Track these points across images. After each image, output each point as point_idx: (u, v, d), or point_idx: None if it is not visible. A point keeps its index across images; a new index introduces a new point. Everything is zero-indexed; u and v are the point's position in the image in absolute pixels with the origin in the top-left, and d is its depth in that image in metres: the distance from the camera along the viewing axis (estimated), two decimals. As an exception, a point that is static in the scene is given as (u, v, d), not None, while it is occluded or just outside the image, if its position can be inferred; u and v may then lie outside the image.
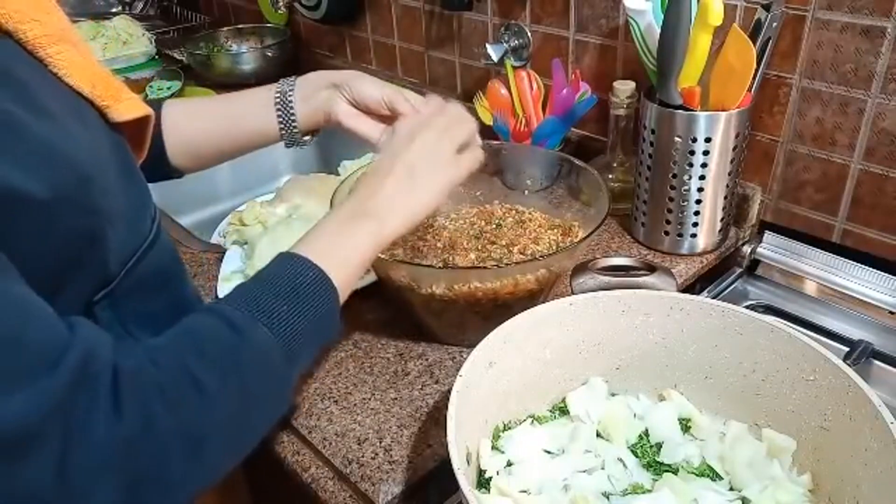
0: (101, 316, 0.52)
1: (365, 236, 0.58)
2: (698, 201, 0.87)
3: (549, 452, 0.61)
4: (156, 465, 0.42)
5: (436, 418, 0.69)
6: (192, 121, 0.76)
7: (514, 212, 0.88)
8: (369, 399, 0.71)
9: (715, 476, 0.58)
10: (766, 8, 0.80)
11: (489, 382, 0.59)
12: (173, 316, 0.55)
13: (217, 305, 0.51)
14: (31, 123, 0.43)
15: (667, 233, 0.90)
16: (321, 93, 0.74)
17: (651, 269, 0.67)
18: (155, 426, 0.42)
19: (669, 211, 0.88)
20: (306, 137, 0.77)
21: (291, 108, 0.74)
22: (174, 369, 0.45)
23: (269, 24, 1.70)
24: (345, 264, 0.57)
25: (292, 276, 0.53)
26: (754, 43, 0.78)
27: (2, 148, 0.41)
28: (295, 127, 0.75)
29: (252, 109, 0.75)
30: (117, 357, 0.44)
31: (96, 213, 0.48)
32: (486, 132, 1.14)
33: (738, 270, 0.95)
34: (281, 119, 0.75)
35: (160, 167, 0.74)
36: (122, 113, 0.54)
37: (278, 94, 0.74)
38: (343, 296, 0.56)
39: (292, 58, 1.63)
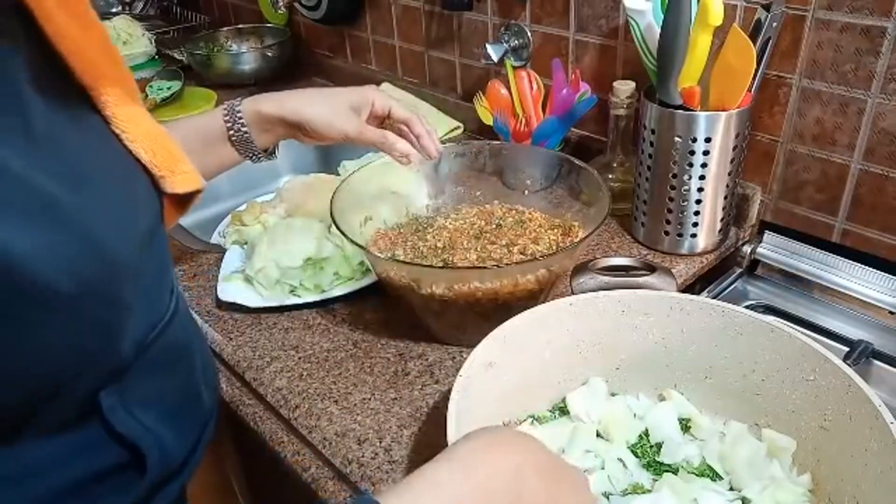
0: (105, 402, 0.47)
1: None
2: (698, 201, 0.87)
3: (549, 452, 0.61)
4: None
5: (436, 418, 0.69)
6: None
7: (514, 212, 0.88)
8: (369, 399, 0.71)
9: (715, 476, 0.58)
10: (766, 8, 0.79)
11: (489, 382, 0.59)
12: (181, 394, 0.53)
13: None
14: (69, 203, 0.39)
15: (667, 233, 0.90)
16: (279, 128, 0.75)
17: (651, 269, 0.67)
18: None
19: (669, 211, 0.88)
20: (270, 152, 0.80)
21: (252, 145, 0.76)
22: None
23: (269, 24, 1.70)
24: None
25: None
26: (754, 43, 0.78)
27: (37, 236, 0.37)
28: (259, 155, 0.77)
29: (213, 149, 0.75)
30: None
31: (119, 302, 0.44)
32: (487, 132, 1.14)
33: (738, 270, 0.95)
34: (244, 154, 0.77)
35: None
36: (176, 186, 0.52)
37: (234, 135, 0.74)
38: None
39: (292, 58, 1.63)
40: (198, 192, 0.56)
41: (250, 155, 0.77)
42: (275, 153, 0.80)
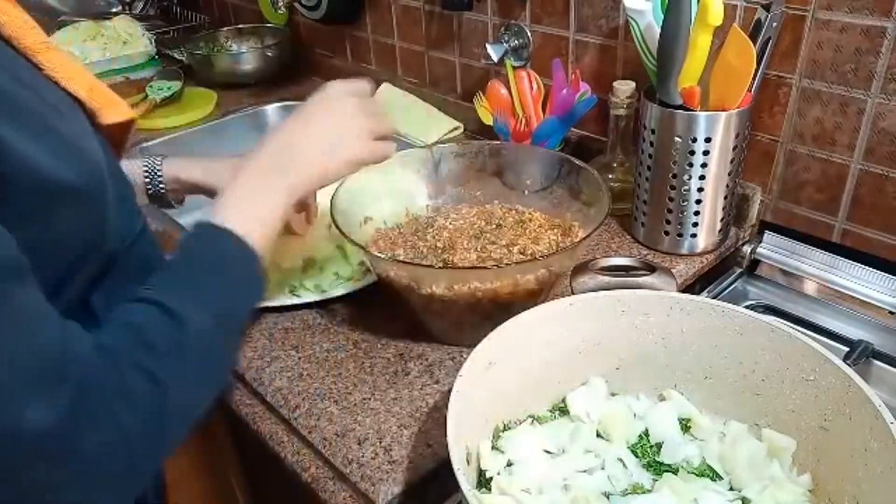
0: (95, 302, 0.54)
1: (281, 195, 0.62)
2: (698, 201, 0.87)
3: (549, 452, 0.61)
4: (132, 460, 0.46)
5: (436, 418, 0.69)
6: None
7: (514, 212, 0.88)
8: (369, 399, 0.71)
9: (715, 476, 0.58)
10: (766, 8, 0.79)
11: (489, 382, 0.59)
12: None
13: (151, 295, 0.52)
14: (58, 124, 0.47)
15: (667, 233, 0.90)
16: (190, 189, 0.84)
17: (651, 269, 0.67)
18: (127, 428, 0.45)
19: (669, 211, 0.88)
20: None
21: (166, 198, 0.84)
22: (134, 369, 0.47)
23: (269, 24, 1.70)
24: (263, 225, 0.59)
25: (218, 252, 0.56)
26: (754, 43, 0.78)
27: (43, 142, 0.45)
28: (169, 206, 0.86)
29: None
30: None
31: (107, 204, 0.51)
32: (487, 132, 1.14)
33: (738, 270, 0.95)
34: (154, 203, 0.85)
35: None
36: (112, 116, 0.57)
37: (151, 190, 0.83)
38: (263, 252, 0.59)
39: (292, 58, 1.63)
40: (130, 127, 0.61)
41: (161, 204, 0.86)
42: (182, 202, 0.88)
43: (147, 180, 0.82)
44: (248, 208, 0.60)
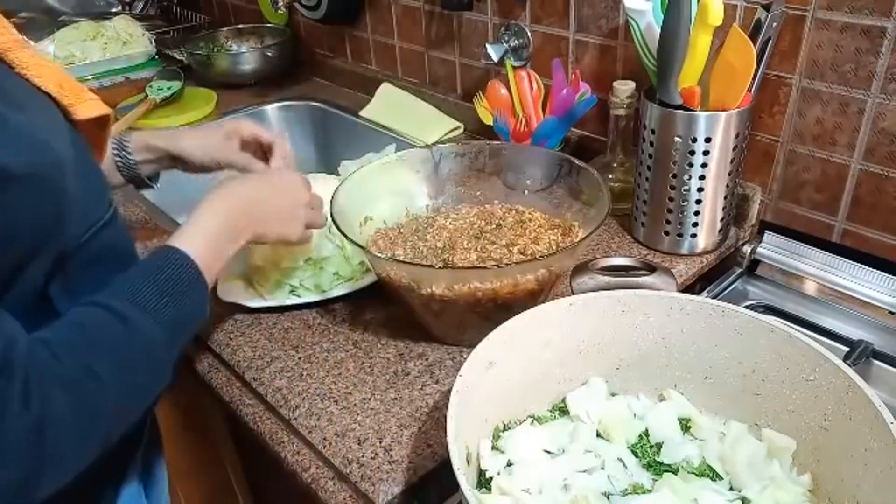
0: (53, 292, 0.56)
1: (239, 239, 0.67)
2: (698, 201, 0.87)
3: (549, 452, 0.61)
4: (56, 446, 0.47)
5: (436, 418, 0.69)
6: None
7: (514, 212, 0.88)
8: (369, 399, 0.71)
9: (715, 476, 0.58)
10: (766, 8, 0.80)
11: (489, 382, 0.59)
12: None
13: (106, 300, 0.54)
14: (7, 113, 0.48)
15: (667, 233, 0.90)
16: (163, 160, 0.87)
17: (651, 269, 0.67)
18: (56, 412, 0.47)
19: (669, 211, 0.88)
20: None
21: (135, 170, 0.86)
22: (73, 361, 0.49)
23: (269, 24, 1.70)
24: (217, 260, 0.65)
25: (178, 273, 0.59)
26: (754, 43, 0.78)
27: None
28: (143, 182, 0.88)
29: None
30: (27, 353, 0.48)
31: (65, 193, 0.53)
32: (487, 132, 1.14)
33: (738, 270, 0.95)
34: (127, 179, 0.87)
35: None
36: (84, 111, 0.59)
37: (120, 161, 0.85)
38: (212, 284, 0.63)
39: (292, 58, 1.63)
40: (107, 124, 0.62)
41: (136, 183, 0.88)
42: (156, 180, 0.90)
43: (115, 153, 0.84)
44: (210, 245, 0.64)
